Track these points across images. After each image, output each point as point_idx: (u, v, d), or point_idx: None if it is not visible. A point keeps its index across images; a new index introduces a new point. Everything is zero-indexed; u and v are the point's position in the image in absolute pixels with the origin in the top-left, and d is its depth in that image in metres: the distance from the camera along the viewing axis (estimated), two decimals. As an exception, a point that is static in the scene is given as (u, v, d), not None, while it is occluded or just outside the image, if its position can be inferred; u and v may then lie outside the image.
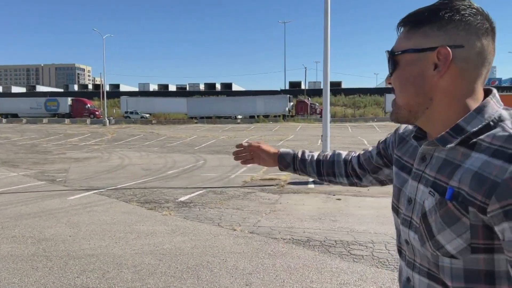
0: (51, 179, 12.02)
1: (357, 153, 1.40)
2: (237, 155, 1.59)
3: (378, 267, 4.49)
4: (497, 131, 0.84)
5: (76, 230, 6.11)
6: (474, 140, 0.85)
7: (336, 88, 65.55)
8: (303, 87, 68.69)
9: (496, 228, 0.77)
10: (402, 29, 0.94)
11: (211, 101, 52.49)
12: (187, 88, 74.47)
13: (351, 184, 1.41)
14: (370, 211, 7.25)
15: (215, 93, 67.27)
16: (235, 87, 75.46)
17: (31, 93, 73.11)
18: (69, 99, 54.54)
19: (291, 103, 50.47)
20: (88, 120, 47.48)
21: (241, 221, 6.60)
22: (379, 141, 1.31)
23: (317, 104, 49.26)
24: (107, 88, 62.68)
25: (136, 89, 76.22)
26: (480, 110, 0.87)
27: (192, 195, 9.15)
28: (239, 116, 49.61)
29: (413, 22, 0.91)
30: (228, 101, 52.42)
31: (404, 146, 1.10)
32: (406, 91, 0.92)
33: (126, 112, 53.97)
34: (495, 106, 0.88)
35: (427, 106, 0.90)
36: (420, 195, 0.92)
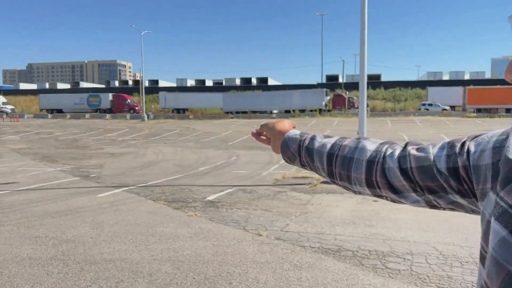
0: (86, 174, 12.14)
1: (399, 150, 0.83)
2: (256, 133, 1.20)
3: (417, 285, 3.99)
4: None
5: (98, 231, 5.96)
6: None
7: (375, 81, 63.78)
8: (340, 80, 67.24)
9: None
10: None
11: (246, 96, 52.30)
12: (224, 83, 74.77)
13: (377, 196, 0.87)
14: (409, 215, 6.67)
15: (251, 88, 67.08)
16: (271, 82, 74.99)
17: (75, 89, 75.84)
18: (110, 94, 55.95)
19: (328, 97, 49.41)
20: (128, 115, 48.56)
21: (268, 224, 6.23)
22: (452, 143, 0.75)
23: (355, 97, 47.94)
24: (146, 83, 64.00)
25: (174, 85, 77.37)
26: None
27: (221, 193, 8.88)
28: (275, 111, 49.15)
29: None
30: (264, 95, 52.03)
31: None
32: None
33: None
34: None
35: None
36: None
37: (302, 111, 46.81)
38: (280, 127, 1.09)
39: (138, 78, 77.29)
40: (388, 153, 0.84)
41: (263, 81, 73.64)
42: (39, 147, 20.51)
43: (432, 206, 0.80)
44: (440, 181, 0.74)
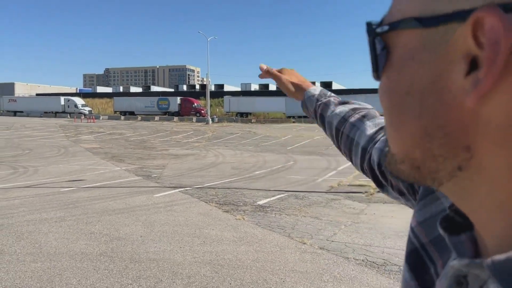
0: (147, 174, 12.69)
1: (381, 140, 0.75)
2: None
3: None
4: None
5: (148, 230, 6.18)
6: None
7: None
8: (409, 84, 64.41)
9: None
10: None
11: (309, 100, 51.79)
12: (287, 87, 74.85)
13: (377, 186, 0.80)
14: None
15: (315, 92, 66.40)
16: (335, 86, 73.85)
17: (146, 92, 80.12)
18: (178, 98, 58.28)
19: (395, 102, 47.45)
20: (194, 118, 50.26)
21: (315, 232, 6.07)
22: None
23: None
24: (212, 88, 65.93)
25: (239, 89, 78.87)
26: None
27: (272, 198, 8.83)
28: (338, 116, 48.17)
29: None
30: (327, 100, 51.19)
31: (430, 206, 0.48)
32: (404, 125, 0.34)
33: None
34: None
35: (458, 164, 0.31)
36: None
37: (367, 116, 45.38)
38: (296, 80, 1.06)
39: (205, 83, 79.81)
40: (378, 144, 0.77)
41: (327, 85, 72.67)
42: (109, 147, 21.85)
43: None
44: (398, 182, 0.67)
